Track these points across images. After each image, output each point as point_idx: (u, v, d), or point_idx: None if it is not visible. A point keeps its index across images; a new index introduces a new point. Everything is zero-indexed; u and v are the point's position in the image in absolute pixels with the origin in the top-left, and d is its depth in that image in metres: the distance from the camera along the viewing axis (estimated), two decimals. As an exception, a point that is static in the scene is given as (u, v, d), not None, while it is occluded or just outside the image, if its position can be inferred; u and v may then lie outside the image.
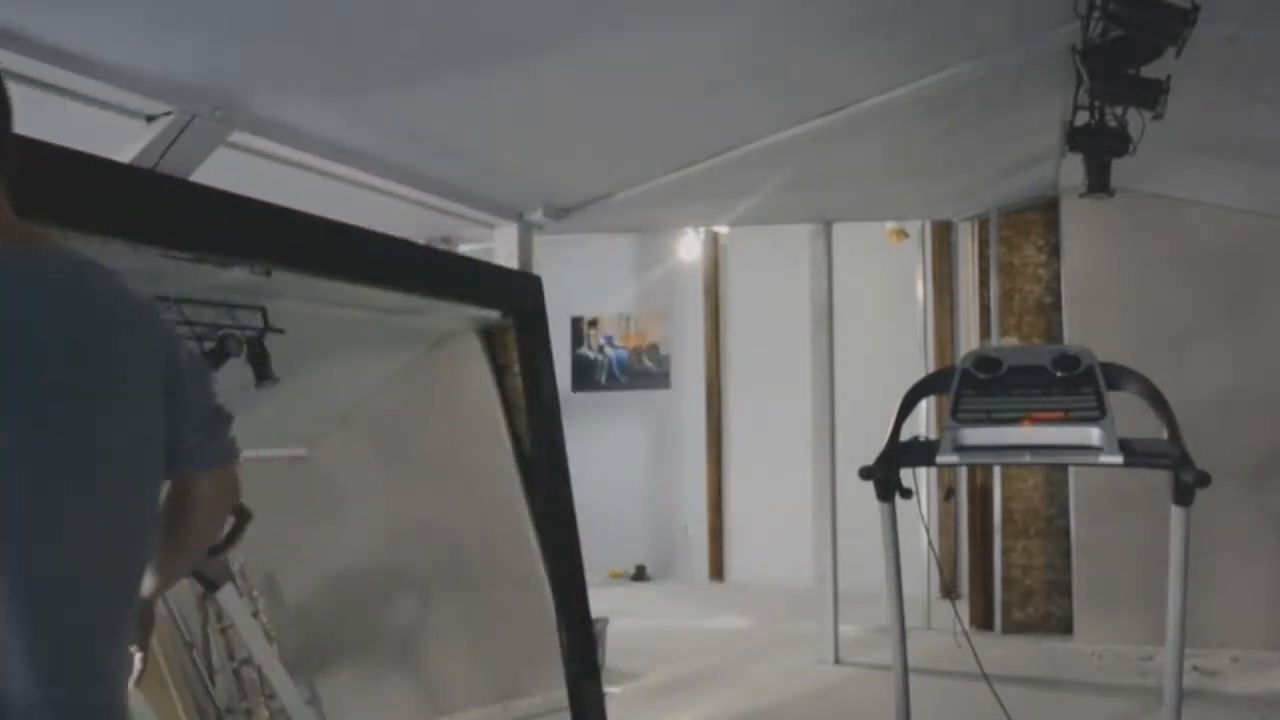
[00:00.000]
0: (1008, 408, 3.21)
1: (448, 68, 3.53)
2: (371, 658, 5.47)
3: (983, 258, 7.12)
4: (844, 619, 6.39)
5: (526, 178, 4.92)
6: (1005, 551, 6.87)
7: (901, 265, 8.28)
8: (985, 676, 3.78)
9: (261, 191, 3.07)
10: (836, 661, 6.30)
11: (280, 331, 4.60)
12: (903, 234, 7.98)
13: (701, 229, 8.73)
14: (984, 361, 3.39)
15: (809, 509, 6.54)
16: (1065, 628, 6.61)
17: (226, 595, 3.70)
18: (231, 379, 4.42)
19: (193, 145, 3.26)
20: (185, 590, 4.66)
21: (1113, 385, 3.21)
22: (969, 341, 7.36)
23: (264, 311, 4.54)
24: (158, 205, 2.75)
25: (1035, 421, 3.15)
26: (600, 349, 10.35)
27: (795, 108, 4.51)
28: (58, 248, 1.36)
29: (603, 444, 9.49)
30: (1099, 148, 4.57)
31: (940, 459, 3.21)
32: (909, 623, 3.63)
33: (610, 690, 5.14)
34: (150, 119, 3.21)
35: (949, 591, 7.10)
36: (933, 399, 5.57)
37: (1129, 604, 6.15)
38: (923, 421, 6.58)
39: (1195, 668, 5.50)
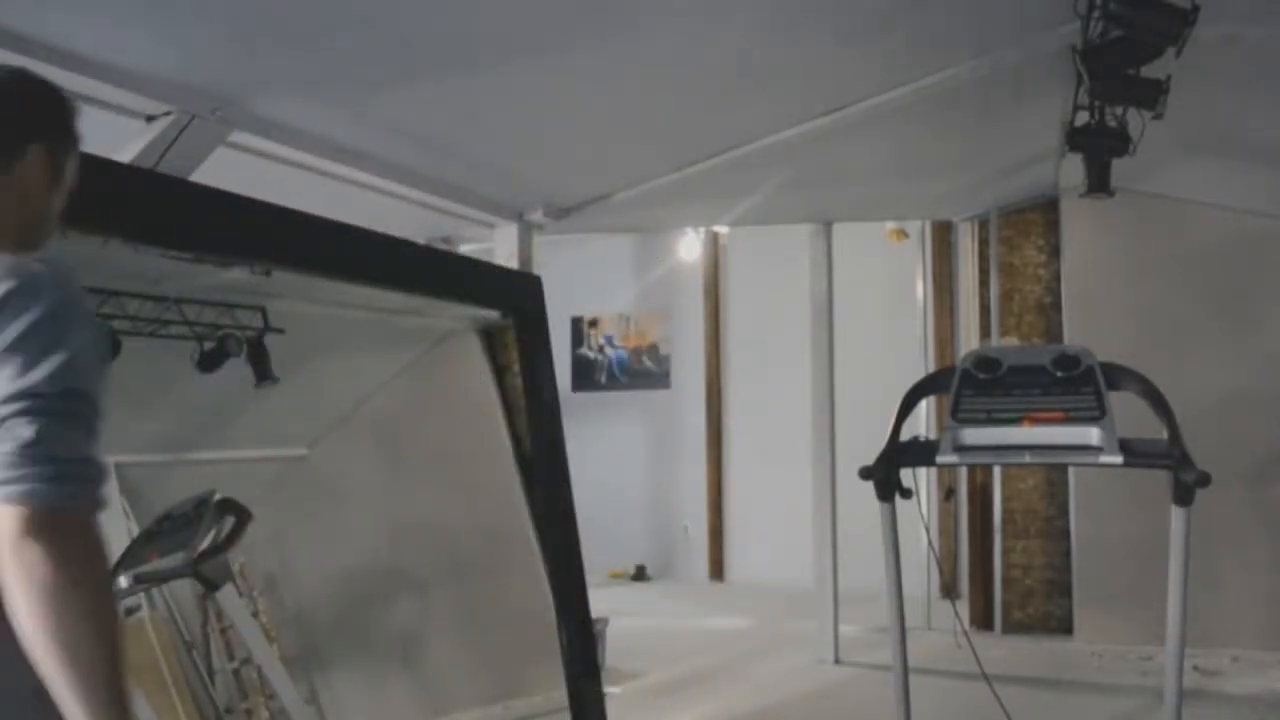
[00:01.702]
0: (1008, 408, 3.21)
1: (448, 68, 3.53)
2: (371, 658, 5.47)
3: (983, 258, 7.12)
4: (844, 619, 6.38)
5: (526, 178, 4.92)
6: (1005, 551, 6.86)
7: (901, 265, 8.27)
8: (985, 676, 3.78)
9: (261, 191, 3.07)
10: (836, 661, 6.30)
11: (280, 331, 4.60)
12: (903, 234, 7.98)
13: (701, 229, 8.73)
14: (984, 361, 3.39)
15: (809, 509, 6.54)
16: (1065, 628, 6.60)
17: (226, 595, 3.70)
18: (231, 379, 4.44)
19: (193, 145, 3.26)
20: (185, 590, 4.67)
21: (1113, 385, 3.21)
22: (969, 341, 7.35)
23: (264, 311, 4.55)
24: (158, 205, 2.75)
25: (1035, 421, 3.15)
26: (600, 349, 10.34)
27: (795, 108, 4.51)
28: None
29: (603, 444, 9.48)
30: (1099, 148, 4.57)
31: (940, 459, 3.21)
32: (909, 623, 3.63)
33: (610, 690, 5.14)
34: (150, 119, 3.21)
35: (949, 591, 7.10)
36: (933, 399, 5.57)
37: (1129, 604, 6.14)
38: (923, 421, 6.58)
39: (1195, 668, 5.49)
